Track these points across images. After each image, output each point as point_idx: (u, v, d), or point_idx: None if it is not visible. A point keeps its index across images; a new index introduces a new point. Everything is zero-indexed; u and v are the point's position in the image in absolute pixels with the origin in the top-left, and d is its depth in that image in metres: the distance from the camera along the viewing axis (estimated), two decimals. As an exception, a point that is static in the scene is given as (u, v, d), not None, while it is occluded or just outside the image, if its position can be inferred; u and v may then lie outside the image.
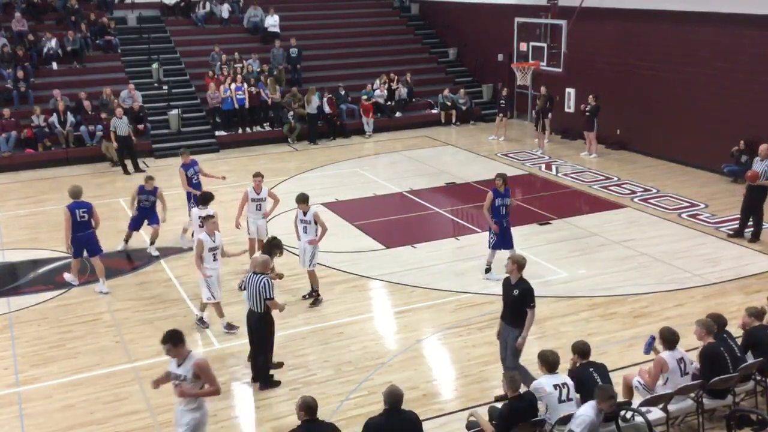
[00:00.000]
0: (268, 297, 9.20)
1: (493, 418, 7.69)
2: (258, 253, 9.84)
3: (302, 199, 11.81)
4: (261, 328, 9.42)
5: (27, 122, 21.49)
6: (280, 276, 10.90)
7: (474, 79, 27.92)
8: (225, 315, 11.09)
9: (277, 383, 9.49)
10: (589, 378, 7.63)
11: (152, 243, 14.41)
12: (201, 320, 11.25)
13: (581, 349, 7.87)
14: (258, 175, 13.10)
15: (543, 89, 22.01)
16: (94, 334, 11.17)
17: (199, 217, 11.98)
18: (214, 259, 10.78)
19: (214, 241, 10.76)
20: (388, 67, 26.69)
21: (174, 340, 7.27)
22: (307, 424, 6.72)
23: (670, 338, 8.12)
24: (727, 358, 8.15)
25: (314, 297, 11.98)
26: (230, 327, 11.00)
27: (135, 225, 14.41)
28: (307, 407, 6.73)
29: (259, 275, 9.32)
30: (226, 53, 24.72)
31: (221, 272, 11.22)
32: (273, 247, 10.32)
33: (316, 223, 11.82)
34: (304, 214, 11.80)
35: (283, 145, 23.18)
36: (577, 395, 7.64)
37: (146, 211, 14.25)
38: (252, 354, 9.74)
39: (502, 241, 12.51)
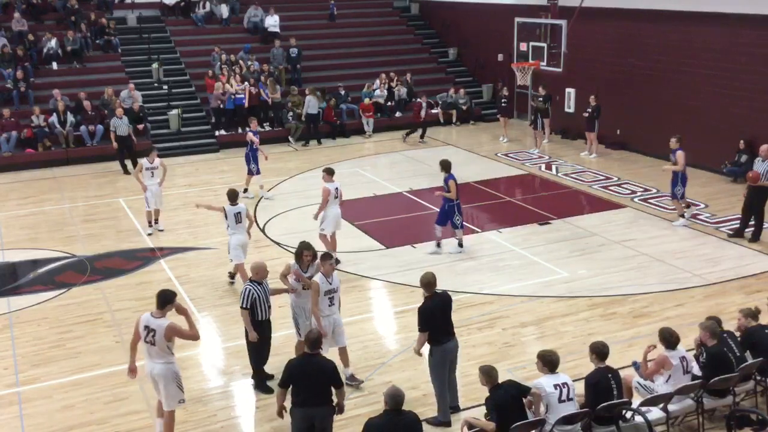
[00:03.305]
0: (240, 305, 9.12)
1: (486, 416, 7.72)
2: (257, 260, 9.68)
3: (230, 196, 12.27)
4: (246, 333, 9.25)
5: (27, 122, 21.48)
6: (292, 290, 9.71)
7: (474, 79, 27.92)
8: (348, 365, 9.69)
9: (270, 390, 9.34)
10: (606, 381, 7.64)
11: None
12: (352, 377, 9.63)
13: (599, 351, 7.78)
14: (326, 172, 13.34)
15: (541, 89, 22.04)
16: (94, 334, 11.16)
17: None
18: (331, 304, 9.33)
19: (330, 283, 9.29)
20: (388, 67, 26.68)
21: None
22: (308, 356, 7.47)
23: (668, 338, 8.14)
24: (732, 359, 8.17)
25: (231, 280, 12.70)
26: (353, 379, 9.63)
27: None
28: (309, 341, 7.49)
29: (247, 282, 9.28)
30: (225, 53, 24.66)
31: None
32: (300, 248, 9.66)
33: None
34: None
35: (283, 145, 23.16)
36: (578, 396, 7.64)
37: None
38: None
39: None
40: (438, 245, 13.96)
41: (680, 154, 14.69)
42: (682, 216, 15.17)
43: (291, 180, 19.15)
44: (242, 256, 12.21)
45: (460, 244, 13.91)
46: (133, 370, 8.21)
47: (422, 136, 23.38)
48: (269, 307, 9.25)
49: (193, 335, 8.10)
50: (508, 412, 7.29)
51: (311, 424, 7.44)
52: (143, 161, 15.23)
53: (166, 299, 7.97)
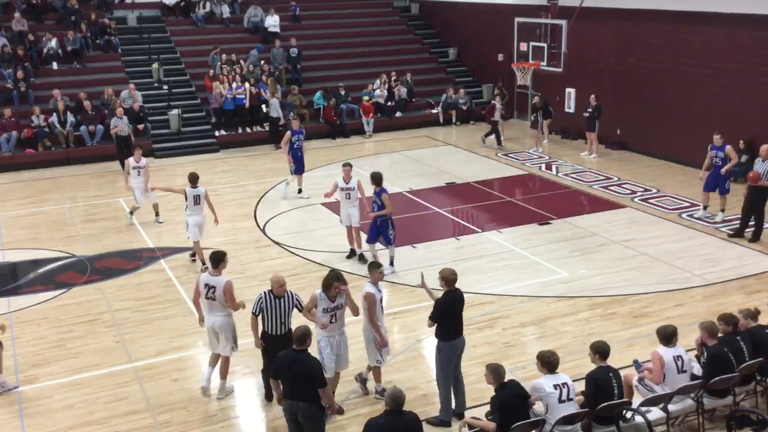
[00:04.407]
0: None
1: (488, 415, 7.72)
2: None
3: (191, 179, 13.13)
4: None
5: (27, 122, 21.48)
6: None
7: (474, 79, 27.92)
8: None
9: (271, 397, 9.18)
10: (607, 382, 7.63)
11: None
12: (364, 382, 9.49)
13: (602, 350, 7.80)
14: (347, 165, 13.68)
15: (536, 98, 22.03)
16: (94, 334, 11.16)
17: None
18: (383, 312, 9.09)
19: (380, 291, 8.99)
20: (388, 67, 26.69)
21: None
22: (294, 351, 7.48)
23: (664, 334, 8.15)
24: (732, 359, 8.16)
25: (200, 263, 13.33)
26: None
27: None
28: (295, 337, 7.51)
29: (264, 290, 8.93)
30: (225, 53, 24.66)
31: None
32: (330, 279, 8.80)
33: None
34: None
35: (283, 144, 23.16)
36: (579, 396, 7.64)
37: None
38: None
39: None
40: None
41: (730, 149, 14.94)
42: (722, 210, 15.21)
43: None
44: (198, 235, 13.31)
45: (391, 263, 13.04)
46: (202, 319, 9.35)
47: (499, 142, 22.31)
48: (282, 323, 8.69)
49: (233, 305, 9.09)
50: (511, 412, 7.30)
51: (295, 417, 7.50)
52: (130, 160, 15.73)
53: (218, 258, 9.14)
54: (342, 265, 13.09)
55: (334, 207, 16.68)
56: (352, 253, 13.78)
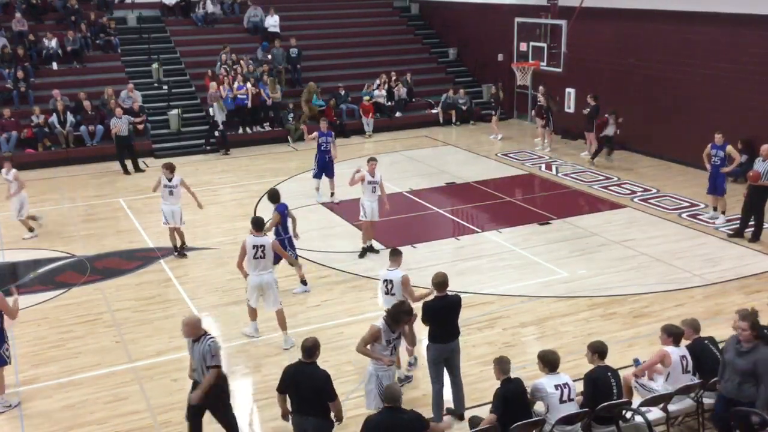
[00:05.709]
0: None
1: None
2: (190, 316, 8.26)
3: (169, 167, 13.69)
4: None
5: (27, 122, 21.48)
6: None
7: (474, 79, 27.92)
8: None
9: None
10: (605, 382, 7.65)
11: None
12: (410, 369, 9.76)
13: (600, 349, 7.82)
14: (372, 160, 13.84)
15: (549, 98, 21.86)
16: (94, 334, 11.16)
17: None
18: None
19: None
20: (388, 67, 26.68)
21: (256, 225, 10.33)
22: (302, 364, 7.29)
23: (675, 332, 8.17)
24: (715, 352, 8.24)
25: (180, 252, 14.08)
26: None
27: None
28: (303, 348, 7.29)
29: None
30: (225, 53, 24.64)
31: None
32: (402, 314, 8.02)
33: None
34: (169, 180, 13.58)
35: (283, 145, 23.17)
36: (579, 397, 7.64)
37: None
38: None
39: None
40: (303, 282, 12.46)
41: (731, 149, 14.87)
42: (723, 212, 15.17)
43: (291, 180, 19.13)
44: (170, 222, 13.81)
45: (303, 282, 12.41)
46: (246, 275, 10.43)
47: (594, 156, 20.17)
48: (195, 369, 7.75)
49: (286, 257, 11.07)
50: (513, 407, 7.30)
51: (305, 431, 7.34)
52: (2, 171, 15.22)
53: (260, 222, 10.40)
54: (349, 266, 13.10)
55: (333, 207, 16.71)
56: (364, 252, 13.82)
